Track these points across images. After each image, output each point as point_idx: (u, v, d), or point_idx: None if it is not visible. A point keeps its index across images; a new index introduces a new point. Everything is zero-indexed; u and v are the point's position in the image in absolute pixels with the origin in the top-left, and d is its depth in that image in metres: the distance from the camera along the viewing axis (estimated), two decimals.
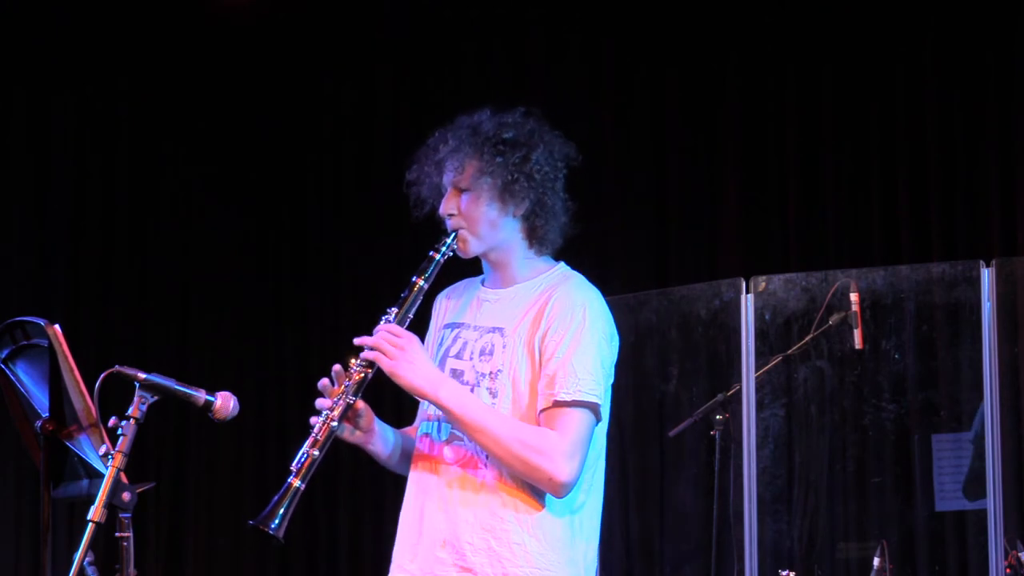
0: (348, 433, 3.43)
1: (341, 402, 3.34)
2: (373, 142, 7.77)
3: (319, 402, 3.36)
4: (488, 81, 7.51)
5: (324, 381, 3.38)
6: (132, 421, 3.16)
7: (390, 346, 3.33)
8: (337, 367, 3.38)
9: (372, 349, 3.34)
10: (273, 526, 3.23)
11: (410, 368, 3.33)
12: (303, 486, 3.28)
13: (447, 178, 3.48)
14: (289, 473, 3.29)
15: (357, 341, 3.36)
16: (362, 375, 3.36)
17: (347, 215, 7.84)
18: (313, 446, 3.31)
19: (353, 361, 3.37)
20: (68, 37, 7.79)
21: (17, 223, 7.74)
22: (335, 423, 3.33)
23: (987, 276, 5.63)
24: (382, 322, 3.38)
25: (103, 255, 7.90)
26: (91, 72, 7.87)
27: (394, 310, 3.41)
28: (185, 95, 8.00)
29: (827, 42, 7.02)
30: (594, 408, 3.34)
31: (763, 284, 6.10)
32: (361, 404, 3.41)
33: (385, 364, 3.33)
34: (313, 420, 3.35)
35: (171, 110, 7.99)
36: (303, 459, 3.29)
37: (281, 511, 3.24)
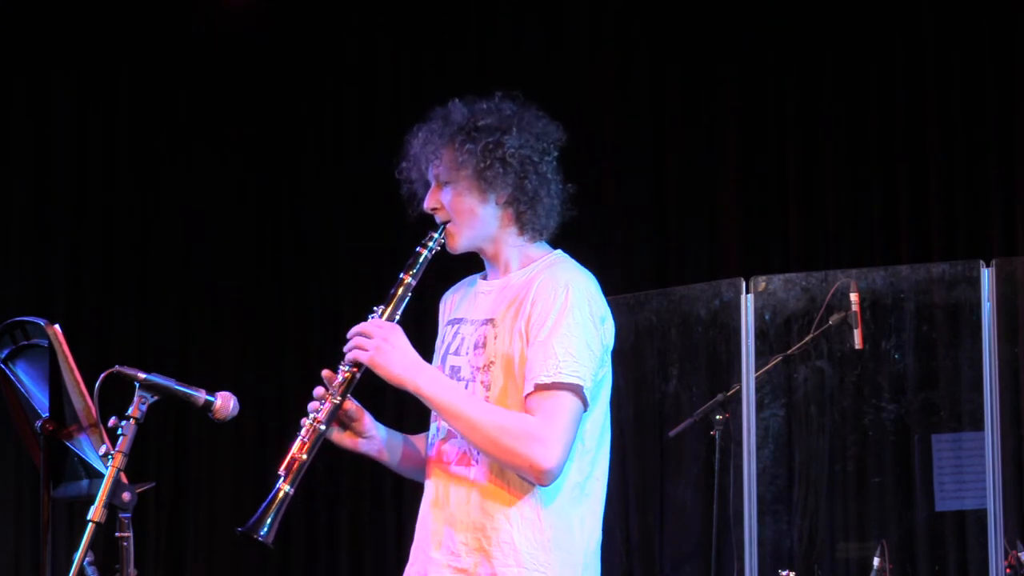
0: (339, 436, 3.37)
1: (328, 403, 3.28)
2: (374, 137, 7.76)
3: (310, 405, 3.30)
4: (488, 76, 7.49)
5: (319, 388, 3.31)
6: (132, 421, 3.16)
7: (368, 338, 3.26)
8: (327, 372, 3.31)
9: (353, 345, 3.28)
10: (263, 533, 3.17)
11: (388, 358, 3.24)
12: (292, 491, 3.22)
13: (429, 172, 3.40)
14: (278, 477, 3.24)
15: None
16: (349, 375, 3.28)
17: (349, 213, 7.83)
18: (300, 449, 3.25)
19: (342, 363, 3.30)
20: (68, 44, 7.80)
21: (17, 223, 7.73)
22: (322, 425, 3.26)
23: (987, 276, 5.63)
24: (368, 319, 3.32)
25: (103, 255, 7.90)
26: (91, 72, 7.87)
27: (380, 308, 3.33)
28: (185, 95, 8.00)
29: (827, 42, 7.01)
30: (576, 390, 3.19)
31: (763, 284, 6.10)
32: (352, 405, 3.35)
33: (363, 356, 3.25)
34: (303, 422, 3.30)
35: (171, 110, 7.99)
36: (291, 463, 3.24)
37: (270, 517, 3.18)
